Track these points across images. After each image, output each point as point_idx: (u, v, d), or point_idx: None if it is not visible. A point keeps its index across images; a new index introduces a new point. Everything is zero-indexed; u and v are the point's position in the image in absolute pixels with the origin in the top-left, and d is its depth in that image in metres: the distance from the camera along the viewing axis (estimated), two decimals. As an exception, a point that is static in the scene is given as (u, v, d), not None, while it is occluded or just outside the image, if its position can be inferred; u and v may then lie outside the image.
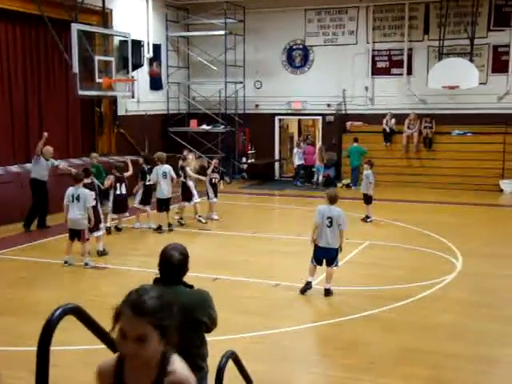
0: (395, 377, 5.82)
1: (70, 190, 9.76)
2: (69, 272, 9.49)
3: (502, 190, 17.73)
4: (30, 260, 10.13)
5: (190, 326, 3.56)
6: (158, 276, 3.69)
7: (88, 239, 9.88)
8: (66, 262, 9.73)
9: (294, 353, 6.49)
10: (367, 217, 13.38)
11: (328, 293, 8.27)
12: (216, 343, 6.40)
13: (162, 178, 12.30)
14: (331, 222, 8.12)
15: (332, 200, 8.28)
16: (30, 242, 11.41)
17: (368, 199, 13.48)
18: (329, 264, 8.29)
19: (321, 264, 8.33)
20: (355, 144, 18.83)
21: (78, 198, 9.63)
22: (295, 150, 19.90)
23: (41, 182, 12.52)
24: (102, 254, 10.39)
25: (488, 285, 8.90)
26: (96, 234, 10.29)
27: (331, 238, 8.16)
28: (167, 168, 12.42)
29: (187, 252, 3.72)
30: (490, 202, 16.15)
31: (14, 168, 14.27)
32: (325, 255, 8.26)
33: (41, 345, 2.40)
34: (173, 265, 3.61)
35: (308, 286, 8.35)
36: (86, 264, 9.65)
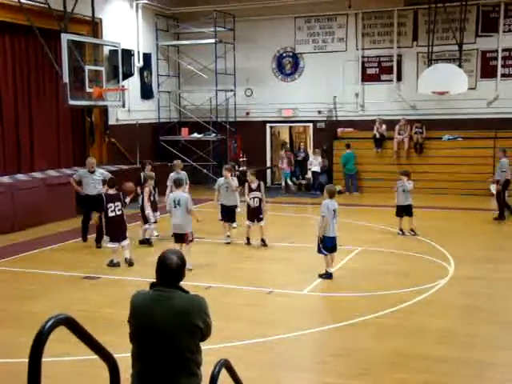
0: (388, 382, 5.83)
1: (172, 196, 10.02)
2: (60, 283, 9.45)
3: (492, 195, 17.79)
4: (20, 271, 10.08)
5: (187, 330, 3.56)
6: (155, 281, 3.71)
7: (192, 240, 10.07)
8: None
9: (287, 360, 6.48)
10: (412, 230, 12.57)
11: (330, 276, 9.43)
12: (209, 351, 6.38)
13: None
14: (335, 214, 9.29)
15: (333, 194, 9.49)
16: (19, 253, 11.35)
17: (410, 210, 12.68)
18: (334, 250, 9.44)
19: (331, 252, 9.38)
20: (348, 150, 18.90)
21: (179, 203, 9.80)
22: (311, 157, 19.46)
23: (90, 196, 11.85)
24: (129, 263, 10.29)
25: (480, 289, 8.93)
26: (123, 242, 10.28)
27: (336, 228, 9.37)
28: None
29: (184, 258, 3.75)
30: (480, 206, 16.22)
31: (5, 179, 14.21)
32: (333, 243, 9.33)
33: (32, 356, 2.39)
34: (170, 269, 3.63)
35: (331, 276, 9.36)
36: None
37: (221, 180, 12.46)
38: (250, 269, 10.28)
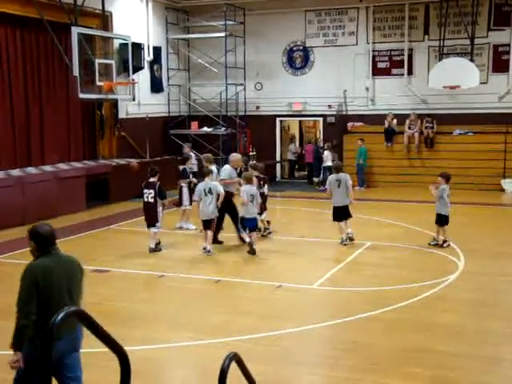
0: (398, 377, 5.82)
1: (201, 186, 10.69)
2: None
3: (503, 190, 17.72)
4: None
5: (79, 280, 4.52)
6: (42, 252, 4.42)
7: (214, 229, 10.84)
8: (205, 249, 10.51)
9: (296, 354, 6.49)
10: (444, 241, 10.98)
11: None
12: (219, 344, 6.41)
13: None
14: (253, 198, 10.63)
15: (249, 181, 10.78)
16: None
17: (439, 219, 11.02)
18: (254, 230, 10.92)
19: (252, 231, 10.76)
20: (363, 145, 18.71)
21: (210, 191, 10.53)
22: (326, 152, 18.96)
23: (229, 193, 11.25)
24: (152, 251, 10.75)
25: (491, 284, 8.89)
26: (153, 229, 10.74)
27: (256, 210, 10.81)
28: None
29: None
30: (491, 201, 16.14)
31: (16, 172, 14.28)
32: (254, 224, 10.88)
33: (44, 348, 2.40)
34: (50, 231, 4.48)
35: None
36: (205, 249, 10.51)
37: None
38: (259, 263, 10.28)
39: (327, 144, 19.35)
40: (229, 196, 11.29)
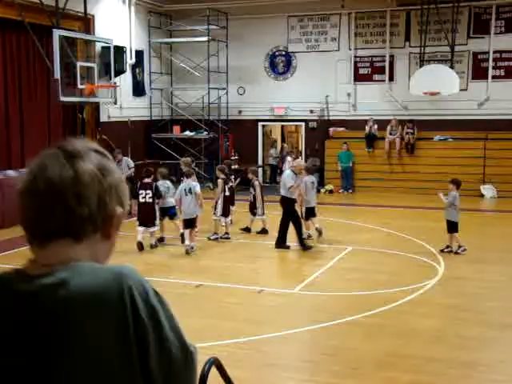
0: (377, 381, 5.85)
1: (182, 186, 11.07)
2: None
3: (482, 196, 17.91)
4: (9, 268, 10.00)
5: None
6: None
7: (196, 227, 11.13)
8: (188, 250, 10.77)
9: (277, 359, 6.49)
10: (459, 246, 10.95)
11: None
12: (200, 350, 6.39)
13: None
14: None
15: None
16: (9, 250, 11.27)
17: (449, 226, 11.04)
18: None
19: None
20: (347, 149, 19.04)
21: (190, 191, 10.86)
22: (289, 158, 19.21)
23: (289, 199, 11.22)
24: (154, 247, 11.22)
25: (470, 289, 8.98)
26: (151, 229, 11.18)
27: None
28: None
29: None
30: (471, 207, 16.28)
31: (-5, 175, 14.11)
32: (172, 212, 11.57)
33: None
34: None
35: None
36: (192, 248, 10.83)
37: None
38: (241, 267, 10.28)
39: (286, 151, 19.63)
40: (293, 203, 11.24)
